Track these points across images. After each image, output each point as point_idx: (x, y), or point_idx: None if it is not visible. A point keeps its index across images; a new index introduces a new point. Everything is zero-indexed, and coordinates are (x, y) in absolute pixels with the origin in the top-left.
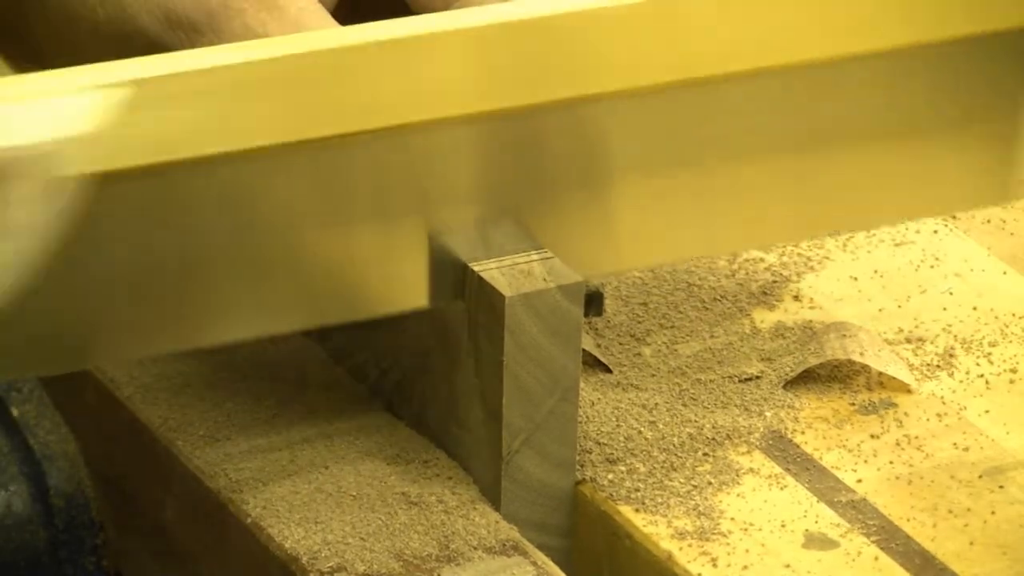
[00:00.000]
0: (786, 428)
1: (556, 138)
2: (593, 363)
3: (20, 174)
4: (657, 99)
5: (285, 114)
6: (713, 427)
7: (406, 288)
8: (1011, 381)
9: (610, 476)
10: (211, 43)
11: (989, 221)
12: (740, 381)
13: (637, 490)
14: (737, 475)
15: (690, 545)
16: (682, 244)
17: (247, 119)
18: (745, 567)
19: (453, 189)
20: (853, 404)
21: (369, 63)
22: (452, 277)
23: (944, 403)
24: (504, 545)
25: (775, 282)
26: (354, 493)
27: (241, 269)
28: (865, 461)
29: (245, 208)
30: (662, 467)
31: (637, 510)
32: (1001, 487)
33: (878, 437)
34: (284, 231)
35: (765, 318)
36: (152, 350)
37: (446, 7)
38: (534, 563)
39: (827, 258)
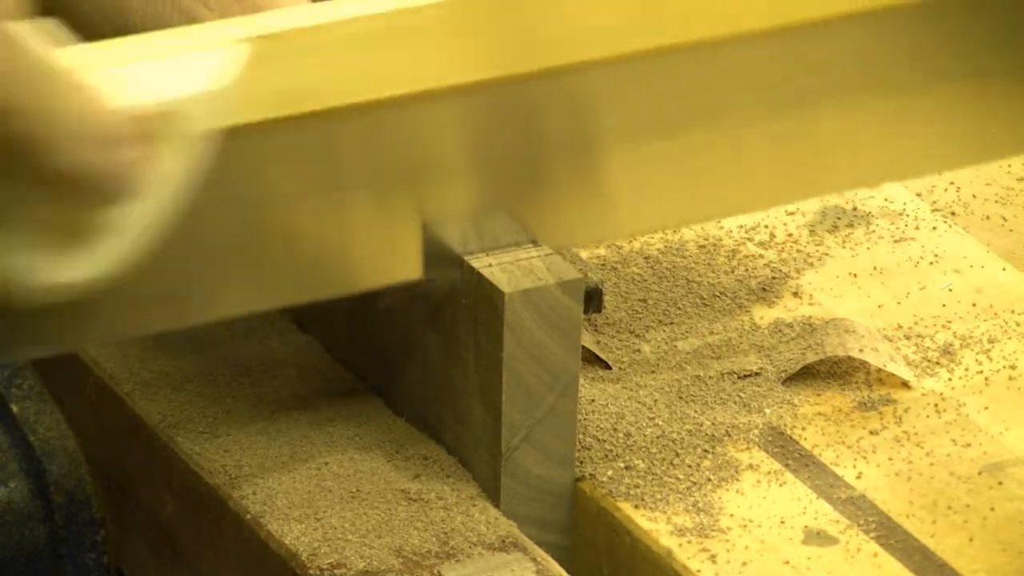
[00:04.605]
0: (785, 424)
1: (545, 107)
2: (592, 360)
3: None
4: (645, 65)
5: (273, 90)
6: (712, 423)
7: (400, 260)
8: (1010, 378)
9: (609, 473)
10: None
11: (988, 218)
12: (739, 377)
13: (636, 487)
14: (736, 471)
15: (689, 542)
16: (673, 210)
17: (237, 92)
18: (744, 563)
19: (446, 158)
20: (852, 400)
21: (355, 37)
22: (447, 250)
23: (943, 399)
24: (504, 542)
25: (774, 278)
26: (353, 489)
27: (232, 245)
28: (864, 457)
29: (233, 183)
30: (661, 463)
31: (637, 506)
32: (1000, 483)
33: (877, 433)
34: (274, 205)
35: (764, 314)
36: (145, 330)
37: None
38: (534, 559)
39: (827, 255)
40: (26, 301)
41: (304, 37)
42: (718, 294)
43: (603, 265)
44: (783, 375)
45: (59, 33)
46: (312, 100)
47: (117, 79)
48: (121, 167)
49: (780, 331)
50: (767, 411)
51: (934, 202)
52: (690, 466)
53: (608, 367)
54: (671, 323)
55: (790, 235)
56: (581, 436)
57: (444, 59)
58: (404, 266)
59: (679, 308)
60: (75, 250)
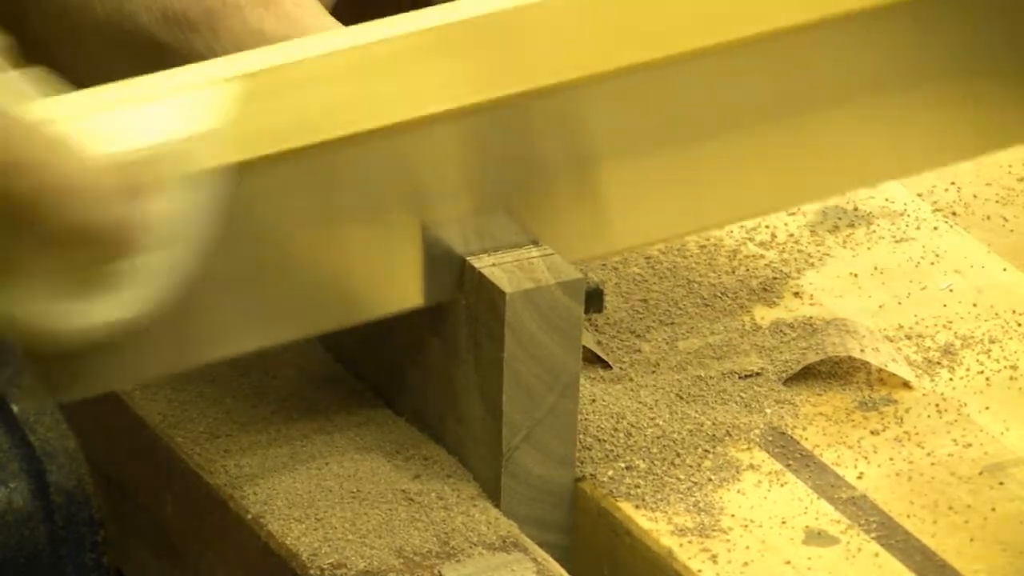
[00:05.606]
0: (786, 424)
1: (540, 126)
2: (593, 359)
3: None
4: (636, 79)
5: (270, 124)
6: (713, 423)
7: (400, 288)
8: (1011, 378)
9: (610, 473)
10: (207, 40)
11: (989, 218)
12: (740, 377)
13: (637, 487)
14: (737, 471)
15: (690, 542)
16: (672, 222)
17: (231, 130)
18: (745, 564)
19: (442, 184)
20: (853, 401)
21: (350, 67)
22: (448, 273)
23: (944, 400)
24: (504, 542)
25: (775, 279)
26: (354, 489)
27: (231, 281)
28: (865, 458)
29: (232, 219)
30: (662, 464)
31: (637, 507)
32: (1001, 484)
33: (878, 434)
34: (273, 239)
35: (765, 314)
36: (148, 374)
37: None
38: (534, 560)
39: (827, 255)
40: (52, 345)
41: (292, 72)
42: (719, 294)
43: (604, 265)
44: (784, 375)
45: (48, 81)
46: (308, 134)
47: (102, 127)
48: (118, 219)
49: (781, 331)
50: (768, 411)
51: (935, 202)
52: (691, 466)
53: (609, 367)
54: (672, 323)
55: (791, 235)
56: (582, 436)
57: (434, 85)
58: (405, 294)
59: (680, 308)
60: (96, 295)
